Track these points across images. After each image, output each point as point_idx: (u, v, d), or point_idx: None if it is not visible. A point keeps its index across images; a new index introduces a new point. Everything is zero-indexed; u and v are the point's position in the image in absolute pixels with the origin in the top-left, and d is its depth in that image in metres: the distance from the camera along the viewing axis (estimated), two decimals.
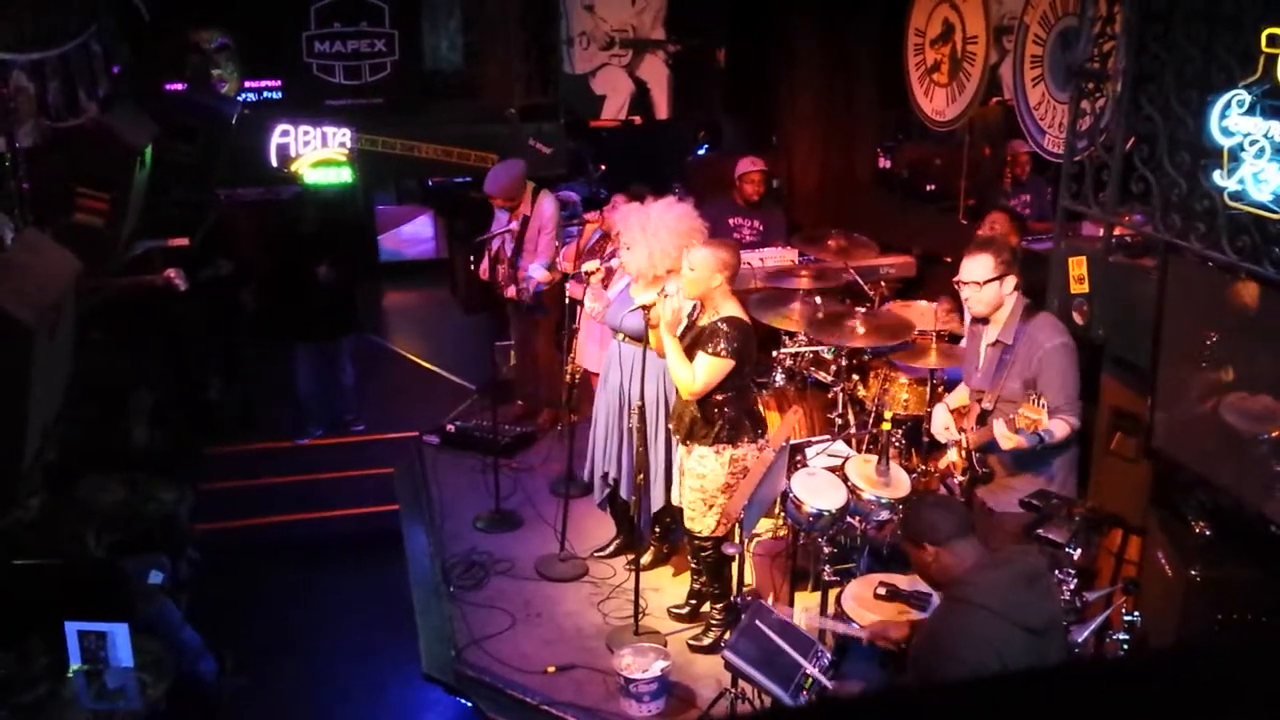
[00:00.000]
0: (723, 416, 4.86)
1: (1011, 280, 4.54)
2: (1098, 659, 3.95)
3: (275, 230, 7.87)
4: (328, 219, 7.77)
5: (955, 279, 4.69)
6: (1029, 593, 3.39)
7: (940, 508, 3.52)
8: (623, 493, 5.57)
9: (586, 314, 6.08)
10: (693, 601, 5.41)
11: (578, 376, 6.20)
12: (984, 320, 4.66)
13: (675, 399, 5.14)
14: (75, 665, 4.41)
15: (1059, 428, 4.40)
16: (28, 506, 5.10)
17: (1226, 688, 1.31)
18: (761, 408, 5.60)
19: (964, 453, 4.66)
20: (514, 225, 7.20)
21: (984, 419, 4.60)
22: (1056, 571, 3.95)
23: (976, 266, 4.55)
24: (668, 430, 5.25)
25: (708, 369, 4.77)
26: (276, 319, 7.67)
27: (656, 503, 5.41)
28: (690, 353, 4.87)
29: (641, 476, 5.19)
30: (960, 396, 4.97)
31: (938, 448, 5.07)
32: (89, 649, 4.41)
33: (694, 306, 5.00)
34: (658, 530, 5.79)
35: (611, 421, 5.50)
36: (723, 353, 4.75)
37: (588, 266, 5.72)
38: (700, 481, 4.93)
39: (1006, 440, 4.34)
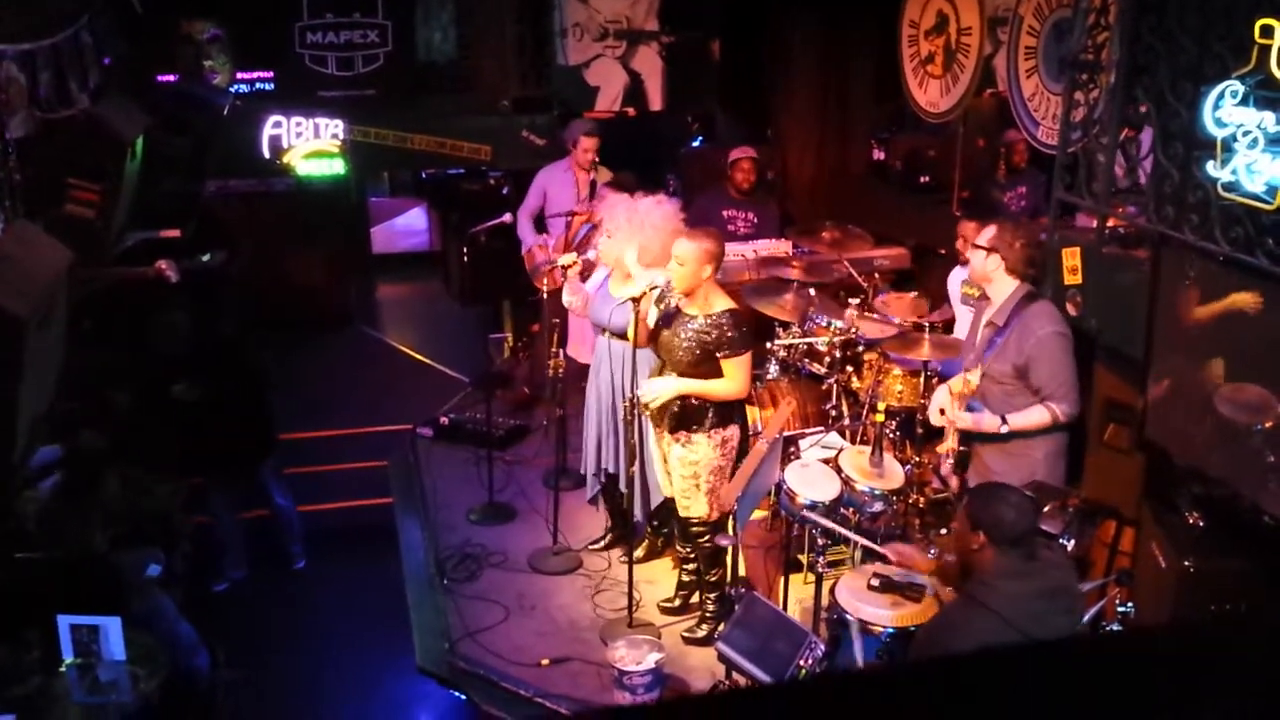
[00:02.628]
0: (710, 406, 4.91)
1: (998, 259, 4.63)
2: (1083, 638, 3.96)
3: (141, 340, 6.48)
4: (207, 313, 6.54)
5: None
6: (1047, 606, 3.40)
7: (1015, 511, 3.47)
8: (622, 485, 5.57)
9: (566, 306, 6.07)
10: (683, 593, 5.42)
11: (561, 370, 6.19)
12: (986, 298, 4.74)
13: None
14: (67, 659, 4.40)
15: (1037, 415, 4.46)
16: (29, 499, 5.10)
17: (1210, 669, 1.32)
18: (754, 402, 5.61)
19: (957, 436, 4.71)
20: (507, 217, 7.19)
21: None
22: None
23: (984, 231, 4.77)
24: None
25: (739, 370, 4.86)
26: (164, 448, 6.16)
27: (655, 496, 5.39)
28: (657, 333, 4.94)
29: (633, 469, 5.19)
30: (960, 382, 5.00)
31: (932, 438, 5.08)
32: (81, 642, 4.40)
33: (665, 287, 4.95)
34: (654, 523, 5.78)
35: (605, 416, 5.49)
36: (740, 349, 4.84)
37: (563, 260, 5.71)
38: (693, 467, 4.95)
39: (962, 419, 4.57)
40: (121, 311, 6.47)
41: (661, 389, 4.91)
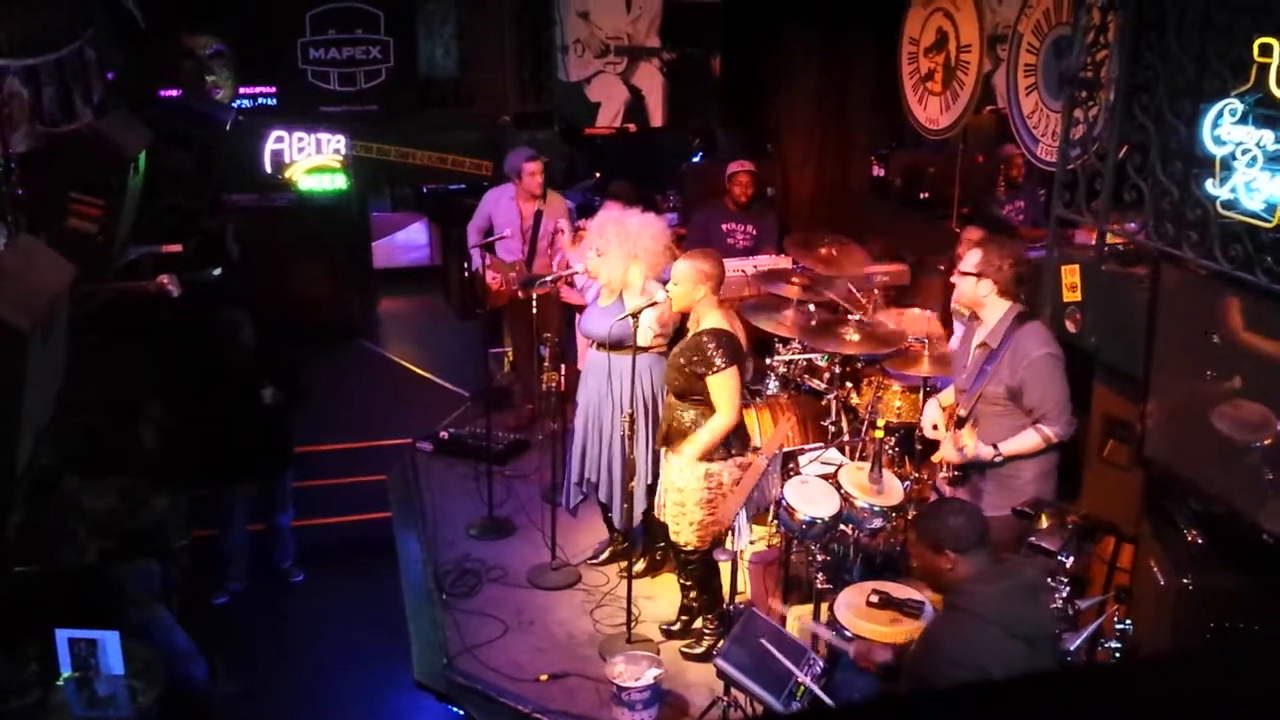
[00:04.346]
0: (697, 428, 4.84)
1: (989, 284, 4.57)
2: (1089, 666, 3.95)
3: (205, 343, 6.39)
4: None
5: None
6: (1029, 603, 3.40)
7: (964, 515, 3.48)
8: (600, 496, 5.58)
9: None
10: (684, 617, 5.38)
11: (554, 386, 6.21)
12: (978, 318, 4.73)
13: (663, 406, 5.15)
14: (65, 673, 4.39)
15: (1029, 439, 4.47)
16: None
17: (1214, 695, 1.31)
18: (754, 418, 5.60)
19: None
20: (507, 232, 7.21)
21: (961, 423, 4.62)
22: (1049, 579, 3.96)
23: (969, 256, 4.68)
24: (651, 436, 5.27)
25: (720, 390, 4.75)
26: (206, 457, 6.21)
27: (639, 507, 5.40)
28: (677, 359, 4.91)
29: (633, 484, 5.20)
30: (951, 394, 5.00)
31: (931, 454, 5.08)
32: (79, 656, 4.39)
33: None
34: (648, 537, 5.78)
35: (591, 427, 5.51)
36: (720, 367, 4.74)
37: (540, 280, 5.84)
38: (679, 495, 4.93)
39: (953, 454, 4.54)
40: (150, 323, 6.46)
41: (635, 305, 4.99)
